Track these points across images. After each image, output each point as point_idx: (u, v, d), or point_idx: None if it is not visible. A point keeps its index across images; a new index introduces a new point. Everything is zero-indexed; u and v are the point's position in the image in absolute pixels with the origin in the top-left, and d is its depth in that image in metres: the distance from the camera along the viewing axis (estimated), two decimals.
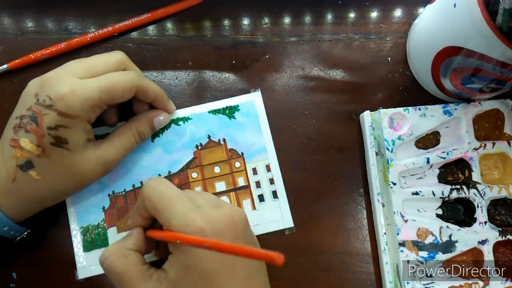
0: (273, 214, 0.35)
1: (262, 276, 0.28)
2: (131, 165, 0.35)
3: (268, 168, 0.36)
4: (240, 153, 0.36)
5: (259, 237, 0.34)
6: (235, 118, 0.36)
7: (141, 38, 0.38)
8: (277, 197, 0.35)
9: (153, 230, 0.29)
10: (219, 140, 0.36)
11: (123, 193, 0.35)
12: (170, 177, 0.35)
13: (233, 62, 0.38)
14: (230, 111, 0.36)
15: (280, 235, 0.35)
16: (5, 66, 0.36)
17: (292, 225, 0.35)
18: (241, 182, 0.36)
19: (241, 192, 0.35)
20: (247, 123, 0.36)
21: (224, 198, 0.35)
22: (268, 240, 0.35)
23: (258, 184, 0.36)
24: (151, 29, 0.38)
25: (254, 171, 0.36)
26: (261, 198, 0.35)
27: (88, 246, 0.34)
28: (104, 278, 0.34)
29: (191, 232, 0.25)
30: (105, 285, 0.34)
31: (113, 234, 0.34)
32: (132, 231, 0.30)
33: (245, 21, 0.39)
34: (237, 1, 0.39)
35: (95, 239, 0.34)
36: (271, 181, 0.36)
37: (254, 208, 0.35)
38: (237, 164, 0.36)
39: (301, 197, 0.35)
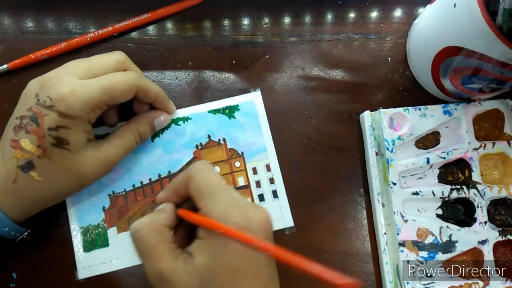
0: (273, 214, 0.35)
1: (277, 284, 0.28)
2: (131, 165, 0.35)
3: (268, 168, 0.36)
4: (240, 153, 0.36)
5: None
6: (235, 118, 0.36)
7: (141, 38, 0.38)
8: (277, 197, 0.35)
9: (188, 211, 0.29)
10: (219, 140, 0.36)
11: (123, 193, 0.35)
12: (170, 177, 0.35)
13: (233, 62, 0.38)
14: (230, 111, 0.36)
15: (281, 234, 0.35)
16: (5, 66, 0.36)
17: (292, 224, 0.35)
18: (241, 181, 0.36)
19: (241, 192, 0.35)
20: (247, 123, 0.36)
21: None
22: None
23: (258, 184, 0.36)
24: (151, 29, 0.38)
25: (254, 170, 0.36)
26: (261, 197, 0.35)
27: (88, 246, 0.34)
28: (104, 278, 0.34)
29: (228, 225, 0.26)
30: (106, 285, 0.34)
31: (113, 234, 0.34)
32: (165, 206, 0.30)
33: (245, 21, 0.39)
34: (237, 1, 0.39)
35: (95, 239, 0.34)
36: (271, 181, 0.36)
37: None
38: (237, 164, 0.36)
39: (301, 197, 0.35)
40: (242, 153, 0.36)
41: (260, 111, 0.36)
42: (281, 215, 0.35)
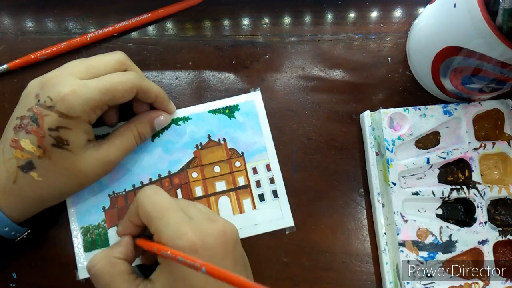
0: (274, 214, 0.35)
1: None
2: (131, 165, 0.35)
3: (268, 168, 0.36)
4: (240, 153, 0.36)
5: (260, 236, 0.34)
6: (235, 118, 0.36)
7: (141, 38, 0.38)
8: (278, 196, 0.35)
9: (143, 239, 0.29)
10: (219, 139, 0.36)
11: (123, 193, 0.35)
12: (170, 177, 0.35)
13: (233, 62, 0.38)
14: (230, 111, 0.36)
15: (281, 234, 0.35)
16: (5, 66, 0.36)
17: (293, 224, 0.35)
18: (241, 181, 0.36)
19: (242, 192, 0.35)
20: (247, 123, 0.36)
21: (225, 197, 0.35)
22: (268, 239, 0.35)
23: (258, 184, 0.36)
24: (151, 29, 0.38)
25: (254, 170, 0.36)
26: (261, 197, 0.35)
27: (89, 246, 0.34)
28: None
29: (181, 245, 0.25)
30: None
31: (113, 234, 0.34)
32: (121, 239, 0.30)
33: (245, 21, 0.39)
34: (237, 1, 0.39)
35: (95, 239, 0.34)
36: (271, 181, 0.36)
37: (254, 207, 0.35)
38: (237, 164, 0.36)
39: (301, 197, 0.35)
40: (242, 153, 0.36)
41: (260, 111, 0.36)
42: (281, 214, 0.35)
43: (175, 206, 0.28)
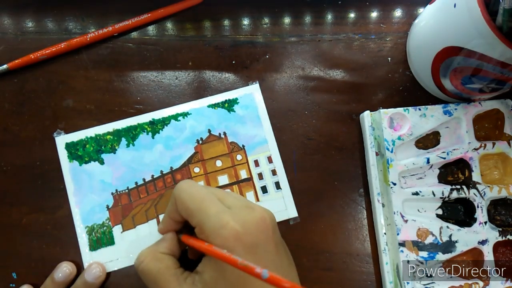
0: (277, 205, 0.35)
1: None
2: (133, 163, 0.35)
3: (269, 160, 0.36)
4: (241, 146, 0.36)
5: None
6: (234, 111, 0.36)
7: (141, 38, 0.38)
8: (280, 188, 0.35)
9: (188, 236, 0.29)
10: (220, 133, 0.36)
11: (126, 191, 0.35)
12: (172, 173, 0.35)
13: (233, 62, 0.38)
14: (229, 105, 0.36)
15: (284, 226, 0.35)
16: (5, 66, 0.36)
17: (296, 214, 0.35)
18: (243, 174, 0.36)
19: (244, 185, 0.35)
20: (246, 116, 0.36)
21: (227, 191, 0.35)
22: None
23: (260, 176, 0.36)
24: (151, 29, 0.38)
25: (256, 163, 0.36)
26: (264, 189, 0.35)
27: (94, 245, 0.34)
28: (110, 277, 0.34)
29: (225, 234, 0.25)
30: (112, 284, 0.34)
31: (118, 233, 0.34)
32: (165, 235, 0.30)
33: (245, 21, 0.39)
34: (237, 1, 0.39)
35: (100, 238, 0.34)
36: (273, 172, 0.36)
37: (257, 200, 0.35)
38: (239, 157, 0.36)
39: (301, 197, 0.35)
40: (243, 146, 0.36)
41: (259, 103, 0.36)
42: (284, 206, 0.35)
43: (212, 197, 0.28)
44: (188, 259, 0.31)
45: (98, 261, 0.33)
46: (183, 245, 0.30)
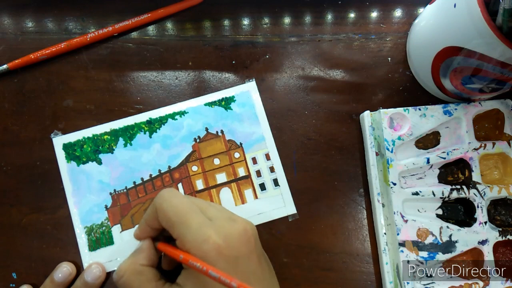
0: (276, 202, 0.35)
1: None
2: (131, 163, 0.35)
3: (267, 157, 0.36)
4: (238, 144, 0.36)
5: (263, 225, 0.35)
6: (231, 109, 0.36)
7: (141, 38, 0.38)
8: (278, 185, 0.35)
9: (165, 244, 0.29)
10: (217, 131, 0.36)
11: (125, 190, 0.35)
12: (170, 172, 0.35)
13: (233, 62, 0.38)
14: (226, 103, 0.37)
15: (283, 224, 0.35)
16: (5, 66, 0.36)
17: (295, 211, 0.35)
18: (241, 172, 0.36)
19: (242, 182, 0.35)
20: (243, 113, 0.36)
21: (226, 189, 0.35)
22: (268, 240, 0.35)
23: (258, 173, 0.36)
24: (151, 29, 0.38)
25: (254, 160, 0.36)
26: (262, 187, 0.35)
27: (94, 245, 0.34)
28: (110, 277, 0.34)
29: (207, 248, 0.25)
30: (112, 283, 0.34)
31: (117, 232, 0.34)
32: (142, 244, 0.29)
33: (245, 21, 0.39)
34: (237, 1, 0.39)
35: (100, 238, 0.34)
36: (271, 170, 0.36)
37: (256, 197, 0.35)
38: (237, 155, 0.36)
39: (301, 197, 0.35)
40: (241, 143, 0.36)
41: (256, 101, 0.37)
42: (283, 203, 0.35)
43: (194, 208, 0.27)
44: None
45: (97, 261, 0.33)
46: (160, 252, 0.30)
